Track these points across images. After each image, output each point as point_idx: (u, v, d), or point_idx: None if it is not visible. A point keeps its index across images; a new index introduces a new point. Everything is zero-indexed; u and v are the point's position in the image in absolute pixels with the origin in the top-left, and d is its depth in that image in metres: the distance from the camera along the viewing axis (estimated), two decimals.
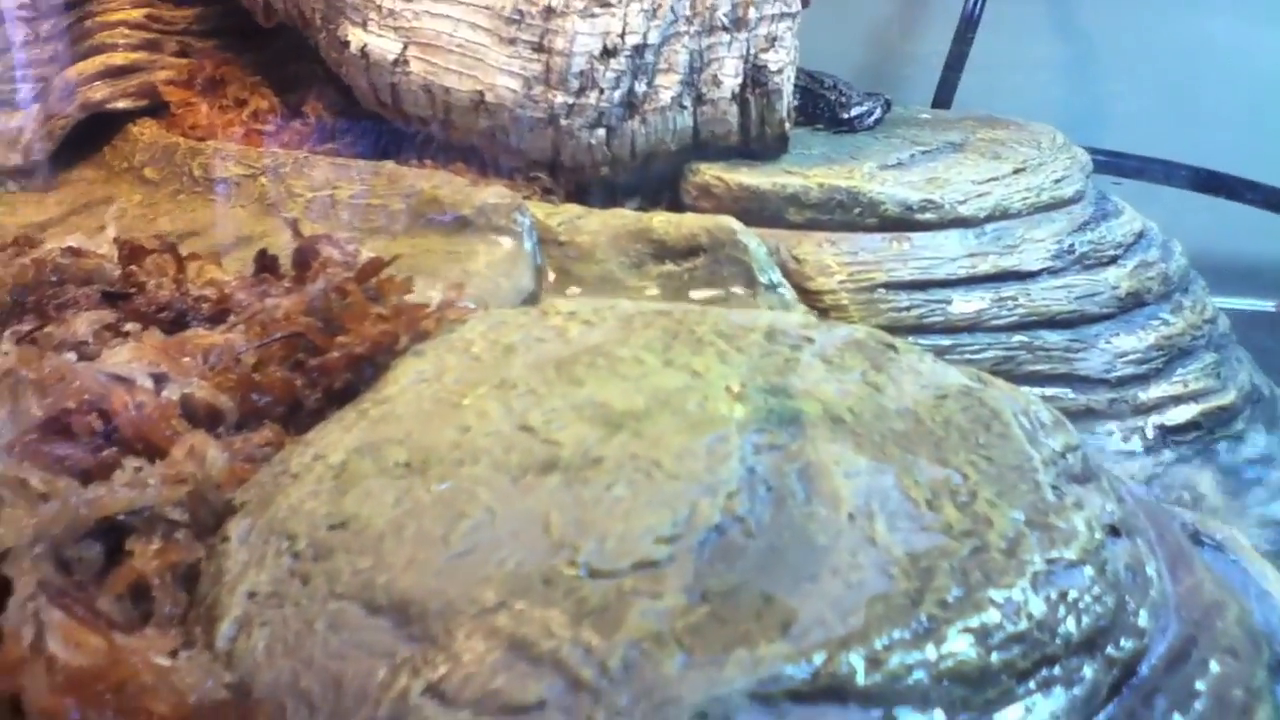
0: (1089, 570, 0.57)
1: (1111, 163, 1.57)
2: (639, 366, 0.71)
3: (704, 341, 0.75)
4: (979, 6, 1.68)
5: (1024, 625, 0.53)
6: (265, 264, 0.89)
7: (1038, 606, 0.54)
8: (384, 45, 1.17)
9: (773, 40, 1.18)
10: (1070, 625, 0.54)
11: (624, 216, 1.12)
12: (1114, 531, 0.61)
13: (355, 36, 1.18)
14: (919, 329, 1.06)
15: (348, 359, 0.73)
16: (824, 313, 1.06)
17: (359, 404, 0.69)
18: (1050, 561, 0.56)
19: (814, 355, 0.74)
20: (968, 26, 1.68)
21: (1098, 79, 1.76)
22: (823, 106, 1.30)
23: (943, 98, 1.68)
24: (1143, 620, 0.57)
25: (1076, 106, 1.77)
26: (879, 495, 0.60)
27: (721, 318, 0.79)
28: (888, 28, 1.77)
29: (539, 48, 1.15)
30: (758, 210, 1.13)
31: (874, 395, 0.69)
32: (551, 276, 1.09)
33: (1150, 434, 1.06)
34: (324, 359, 0.73)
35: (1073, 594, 0.55)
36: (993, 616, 0.53)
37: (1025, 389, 1.01)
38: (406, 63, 1.17)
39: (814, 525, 0.57)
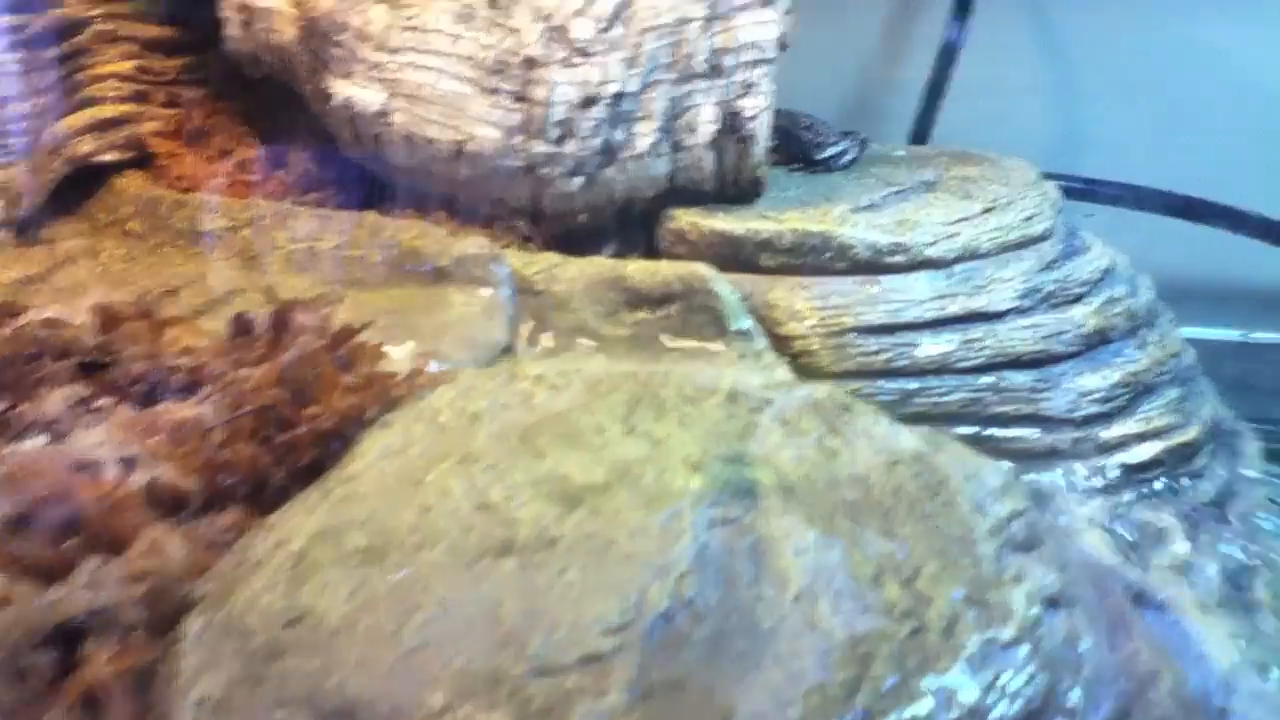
0: (1024, 650, 0.59)
1: (1087, 190, 1.57)
2: (600, 436, 0.73)
3: (666, 407, 0.77)
4: (960, 34, 1.68)
5: (955, 714, 0.55)
6: (240, 327, 0.91)
7: (971, 693, 0.56)
8: (368, 96, 1.19)
9: (748, 87, 1.19)
10: (1002, 709, 0.56)
11: (599, 264, 1.13)
12: (1053, 603, 0.63)
13: (339, 88, 1.20)
14: (887, 373, 1.07)
15: (314, 435, 0.75)
16: (795, 358, 1.07)
17: (324, 483, 0.71)
18: (986, 643, 0.58)
19: (773, 419, 0.76)
20: (949, 54, 1.69)
21: (1083, 104, 1.76)
22: (798, 147, 1.31)
23: (923, 126, 1.69)
24: (1074, 698, 0.59)
25: (1060, 132, 1.77)
26: (825, 574, 0.62)
27: (686, 380, 0.81)
28: (870, 57, 1.77)
29: (520, 98, 1.16)
30: (732, 256, 1.14)
31: (827, 463, 0.71)
32: (529, 325, 1.10)
33: (1113, 473, 1.06)
34: (292, 434, 0.75)
35: (1005, 676, 0.57)
36: (925, 706, 0.54)
37: (986, 440, 1.04)
38: (389, 114, 1.18)
39: (760, 608, 0.59)
